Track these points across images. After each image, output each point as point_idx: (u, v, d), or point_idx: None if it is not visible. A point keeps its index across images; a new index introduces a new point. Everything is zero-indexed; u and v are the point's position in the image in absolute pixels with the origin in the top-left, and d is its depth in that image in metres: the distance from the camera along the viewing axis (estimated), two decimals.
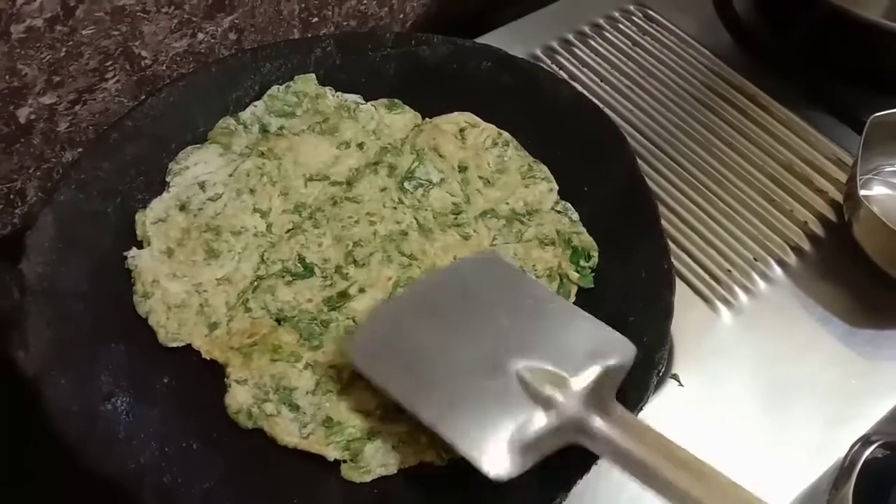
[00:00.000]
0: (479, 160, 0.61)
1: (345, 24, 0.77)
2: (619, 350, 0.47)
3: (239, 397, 0.50)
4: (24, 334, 0.48)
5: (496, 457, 0.43)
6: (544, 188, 0.60)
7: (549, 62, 0.76)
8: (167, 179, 0.58)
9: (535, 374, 0.45)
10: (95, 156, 0.56)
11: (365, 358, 0.48)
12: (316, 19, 0.75)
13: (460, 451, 0.43)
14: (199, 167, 0.59)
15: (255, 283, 0.54)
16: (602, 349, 0.47)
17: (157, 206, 0.57)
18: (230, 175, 0.58)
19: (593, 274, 0.56)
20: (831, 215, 0.66)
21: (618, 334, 0.48)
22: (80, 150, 0.66)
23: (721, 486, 0.41)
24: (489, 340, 0.47)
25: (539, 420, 0.44)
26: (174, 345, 0.52)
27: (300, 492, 0.45)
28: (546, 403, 0.44)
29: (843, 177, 0.67)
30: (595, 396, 0.45)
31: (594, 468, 0.46)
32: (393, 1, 0.79)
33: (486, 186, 0.60)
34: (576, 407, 0.44)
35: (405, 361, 0.48)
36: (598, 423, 0.43)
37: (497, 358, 0.46)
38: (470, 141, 0.62)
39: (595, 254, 0.57)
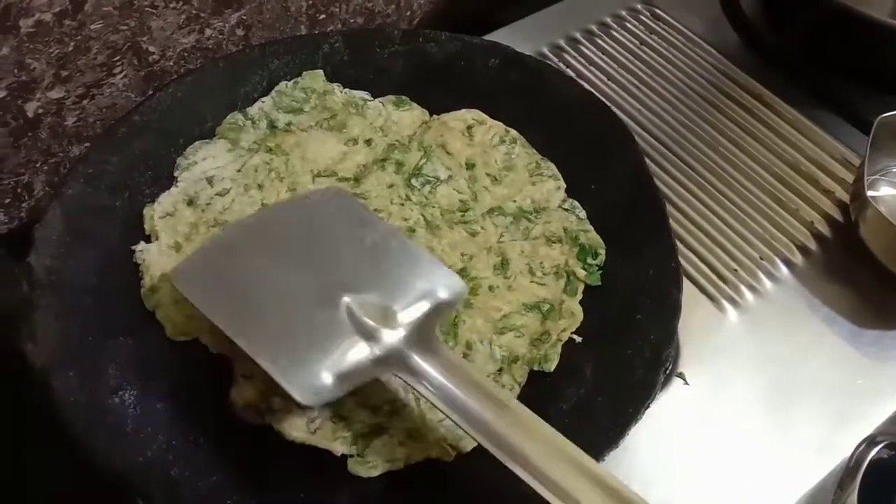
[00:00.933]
0: (486, 157, 0.61)
1: (352, 21, 0.77)
2: (450, 287, 0.49)
3: (246, 392, 0.49)
4: (33, 327, 0.48)
5: (308, 387, 0.43)
6: (552, 186, 0.60)
7: (556, 60, 0.76)
8: (175, 174, 0.58)
9: (363, 307, 0.46)
10: (103, 150, 0.56)
11: (189, 281, 0.48)
12: (323, 16, 0.75)
13: (276, 381, 0.44)
14: (206, 162, 0.59)
15: None
16: (434, 286, 0.48)
17: (165, 200, 0.57)
18: (238, 170, 0.58)
19: (601, 272, 0.57)
20: (838, 215, 0.65)
21: (453, 274, 0.50)
22: (87, 144, 0.66)
23: (526, 423, 0.42)
24: (323, 274, 0.48)
25: (360, 351, 0.45)
26: (181, 339, 0.52)
27: (307, 486, 0.46)
28: (369, 335, 0.45)
29: (849, 177, 0.67)
30: (420, 332, 0.46)
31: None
32: None
33: (494, 184, 0.60)
34: (398, 341, 0.45)
35: (233, 290, 0.48)
36: (417, 358, 0.44)
37: (328, 290, 0.47)
38: (477, 138, 0.62)
39: (602, 252, 0.57)
